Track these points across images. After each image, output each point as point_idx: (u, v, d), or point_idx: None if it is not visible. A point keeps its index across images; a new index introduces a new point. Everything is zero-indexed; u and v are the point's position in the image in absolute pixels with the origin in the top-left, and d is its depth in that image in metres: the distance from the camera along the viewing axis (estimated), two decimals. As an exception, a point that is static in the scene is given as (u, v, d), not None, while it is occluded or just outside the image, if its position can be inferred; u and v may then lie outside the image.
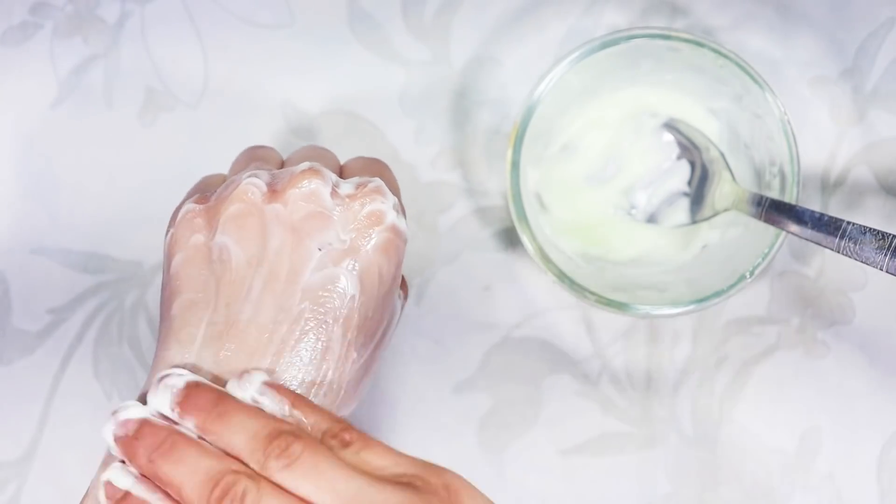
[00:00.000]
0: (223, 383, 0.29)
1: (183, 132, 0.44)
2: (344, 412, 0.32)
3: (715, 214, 0.40)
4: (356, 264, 0.31)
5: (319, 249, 0.31)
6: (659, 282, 0.41)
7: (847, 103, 0.44)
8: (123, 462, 0.29)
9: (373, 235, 0.31)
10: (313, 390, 0.30)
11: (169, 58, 0.44)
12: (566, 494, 0.42)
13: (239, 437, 0.27)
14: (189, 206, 0.32)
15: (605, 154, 0.42)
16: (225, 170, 0.44)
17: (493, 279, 0.44)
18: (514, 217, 0.38)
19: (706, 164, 0.41)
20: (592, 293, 0.38)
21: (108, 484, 0.28)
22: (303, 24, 0.44)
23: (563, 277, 0.38)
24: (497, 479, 0.42)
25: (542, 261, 0.38)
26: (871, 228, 0.31)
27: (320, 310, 0.30)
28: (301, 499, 0.26)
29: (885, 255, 0.30)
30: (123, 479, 0.28)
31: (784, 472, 0.43)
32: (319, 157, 0.34)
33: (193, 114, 0.44)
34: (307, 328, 0.30)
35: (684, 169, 0.41)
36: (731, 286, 0.37)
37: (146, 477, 0.28)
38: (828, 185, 0.44)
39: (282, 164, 0.35)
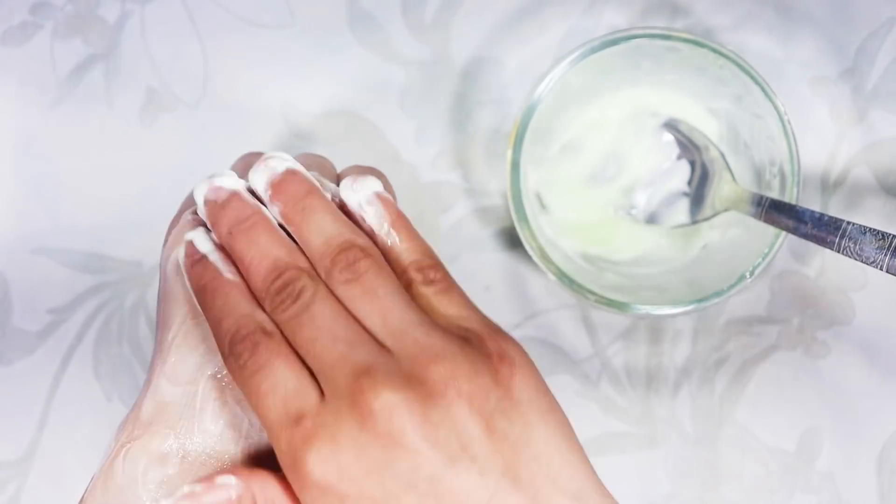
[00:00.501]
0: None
1: (183, 132, 0.44)
2: None
3: (715, 214, 0.40)
4: None
5: None
6: (659, 282, 0.41)
7: (847, 103, 0.44)
8: (206, 228, 0.29)
9: None
10: None
11: (169, 58, 0.44)
12: (566, 494, 0.42)
13: (314, 237, 0.28)
14: (188, 216, 0.32)
15: (605, 154, 0.42)
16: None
17: (493, 279, 0.44)
18: (514, 217, 0.38)
19: (706, 164, 0.41)
20: (592, 293, 0.38)
21: (191, 244, 0.29)
22: (303, 24, 0.44)
23: (563, 277, 0.38)
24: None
25: (542, 261, 0.38)
26: (871, 228, 0.31)
27: None
28: (352, 314, 0.26)
29: (885, 254, 0.30)
30: (205, 243, 0.29)
31: (784, 472, 0.43)
32: (317, 167, 0.34)
33: (193, 114, 0.44)
34: None
35: (684, 169, 0.41)
36: (731, 286, 0.37)
37: (222, 248, 0.29)
38: (828, 185, 0.44)
39: None
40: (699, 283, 0.39)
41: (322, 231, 0.28)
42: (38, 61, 0.44)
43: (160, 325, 0.31)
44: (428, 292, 0.27)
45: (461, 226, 0.44)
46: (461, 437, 0.24)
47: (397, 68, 0.44)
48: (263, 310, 0.27)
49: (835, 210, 0.43)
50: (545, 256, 0.38)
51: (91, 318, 0.43)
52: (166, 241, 0.32)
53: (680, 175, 0.41)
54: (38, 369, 0.43)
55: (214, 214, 0.29)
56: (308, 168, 0.33)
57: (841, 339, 0.43)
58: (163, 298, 0.31)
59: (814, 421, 0.43)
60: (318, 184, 0.29)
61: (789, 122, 0.37)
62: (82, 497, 0.29)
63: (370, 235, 0.29)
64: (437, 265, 0.28)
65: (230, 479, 0.26)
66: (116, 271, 0.44)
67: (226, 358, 0.27)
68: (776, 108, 0.37)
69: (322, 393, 0.26)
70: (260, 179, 0.29)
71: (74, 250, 0.44)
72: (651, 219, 0.42)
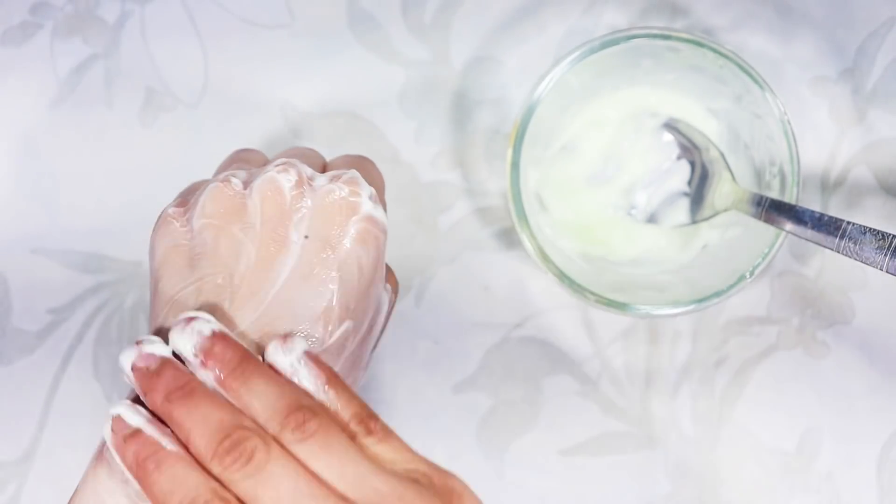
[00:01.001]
0: None
1: (183, 132, 0.44)
2: None
3: (715, 214, 0.40)
4: (332, 255, 0.31)
5: (294, 241, 0.31)
6: (659, 282, 0.41)
7: (847, 103, 0.44)
8: (130, 401, 0.28)
9: (349, 226, 0.31)
10: None
11: (169, 58, 0.44)
12: (566, 494, 0.42)
13: (258, 401, 0.28)
14: (168, 210, 0.32)
15: (605, 154, 0.42)
16: (225, 170, 0.44)
17: (493, 279, 0.44)
18: (514, 217, 0.38)
19: (706, 164, 0.41)
20: (592, 293, 0.38)
21: (118, 419, 0.28)
22: (302, 24, 0.44)
23: (563, 277, 0.38)
24: (497, 478, 0.42)
25: (542, 261, 0.38)
26: (870, 228, 0.31)
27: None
28: (308, 470, 0.26)
29: (885, 255, 0.30)
30: (134, 416, 0.28)
31: (784, 473, 0.43)
32: (301, 156, 0.34)
33: (193, 114, 0.44)
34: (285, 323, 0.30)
35: (684, 169, 0.41)
36: (731, 286, 0.37)
37: (155, 417, 0.28)
38: (828, 185, 0.44)
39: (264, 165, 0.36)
40: (699, 284, 0.39)
41: (266, 395, 0.28)
42: (38, 61, 0.44)
43: (151, 313, 0.31)
44: (369, 442, 0.28)
45: (461, 226, 0.44)
46: None
47: (397, 68, 0.44)
48: (214, 478, 0.27)
49: (835, 210, 0.43)
50: (545, 256, 0.38)
51: (91, 318, 0.43)
52: (152, 231, 0.32)
53: (680, 175, 0.41)
54: (37, 369, 0.43)
55: (148, 382, 0.28)
56: (293, 158, 0.33)
57: (841, 340, 0.43)
58: (153, 291, 0.32)
59: (813, 421, 0.43)
60: (245, 348, 0.29)
61: (789, 123, 0.37)
62: (76, 489, 0.30)
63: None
64: (374, 416, 0.29)
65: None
66: (116, 271, 0.44)
67: None
68: (776, 108, 0.37)
69: None
70: (186, 344, 0.29)
71: (74, 250, 0.44)
72: (651, 219, 0.42)
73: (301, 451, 0.27)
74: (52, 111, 0.44)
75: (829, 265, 0.43)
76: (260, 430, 0.27)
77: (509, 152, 0.38)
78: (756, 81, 0.37)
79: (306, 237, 0.31)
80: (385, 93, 0.44)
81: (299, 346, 0.29)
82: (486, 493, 0.28)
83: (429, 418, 0.43)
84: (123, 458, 0.28)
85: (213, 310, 0.30)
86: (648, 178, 0.42)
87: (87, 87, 0.44)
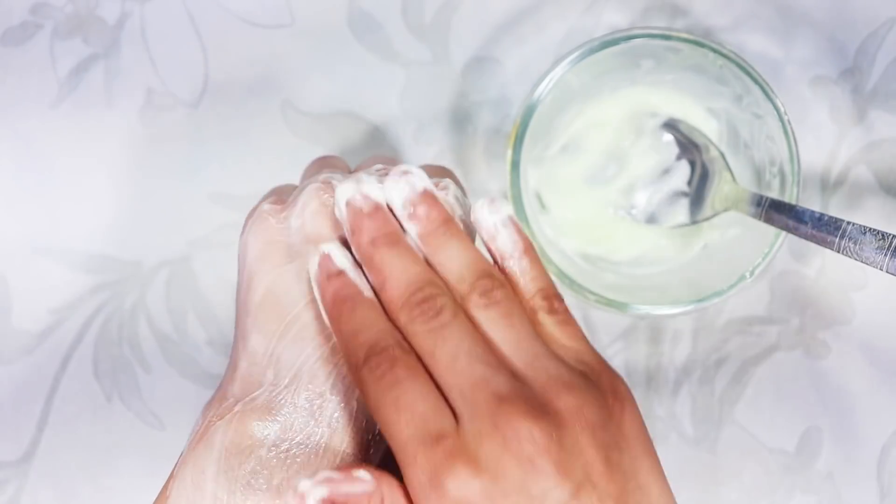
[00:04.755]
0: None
1: (183, 132, 0.44)
2: None
3: (715, 214, 0.40)
4: None
5: None
6: (659, 282, 0.41)
7: (847, 103, 0.44)
8: (339, 243, 0.29)
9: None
10: None
11: (169, 58, 0.44)
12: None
13: (452, 262, 0.28)
14: (264, 206, 0.33)
15: (605, 154, 0.42)
16: (224, 170, 0.44)
17: (493, 279, 0.44)
18: (514, 217, 0.38)
19: (706, 164, 0.41)
20: (592, 293, 0.38)
21: (327, 257, 0.29)
22: (303, 24, 0.44)
23: (563, 277, 0.38)
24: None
25: (542, 261, 0.38)
26: (870, 228, 0.31)
27: None
28: (486, 336, 0.27)
29: (885, 254, 0.30)
30: (342, 258, 0.29)
31: (784, 473, 0.43)
32: (389, 163, 0.34)
33: (193, 114, 0.44)
34: None
35: (684, 169, 0.41)
36: (731, 286, 0.37)
37: (357, 265, 0.29)
38: (828, 185, 0.44)
39: (349, 172, 0.36)
40: (699, 283, 0.39)
41: (460, 258, 0.29)
42: (38, 61, 0.44)
43: (240, 310, 0.32)
44: (550, 321, 0.29)
45: (461, 226, 0.44)
46: (585, 466, 0.26)
47: (397, 68, 0.44)
48: (398, 329, 0.28)
49: (835, 210, 0.43)
50: (545, 256, 0.38)
51: (91, 319, 0.43)
52: (244, 230, 0.33)
53: (680, 175, 0.41)
54: (37, 369, 0.43)
55: (359, 221, 0.29)
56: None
57: (841, 340, 0.43)
58: (245, 287, 0.32)
59: (814, 421, 0.43)
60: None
61: (789, 122, 0.37)
62: (172, 472, 0.29)
63: (497, 258, 0.30)
64: (560, 297, 0.29)
65: (365, 475, 0.27)
66: (116, 271, 0.44)
67: (358, 369, 0.27)
68: (776, 107, 0.37)
69: (453, 412, 0.26)
70: (399, 194, 0.30)
71: (74, 250, 0.44)
72: (651, 219, 0.42)
73: (483, 316, 0.27)
74: (53, 111, 0.44)
75: (829, 265, 0.43)
76: (450, 293, 0.28)
77: (509, 152, 0.38)
78: (756, 81, 0.37)
79: None
80: (385, 93, 0.44)
81: (505, 209, 0.30)
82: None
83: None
84: (323, 295, 0.29)
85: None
86: (648, 178, 0.42)
87: (88, 87, 0.44)
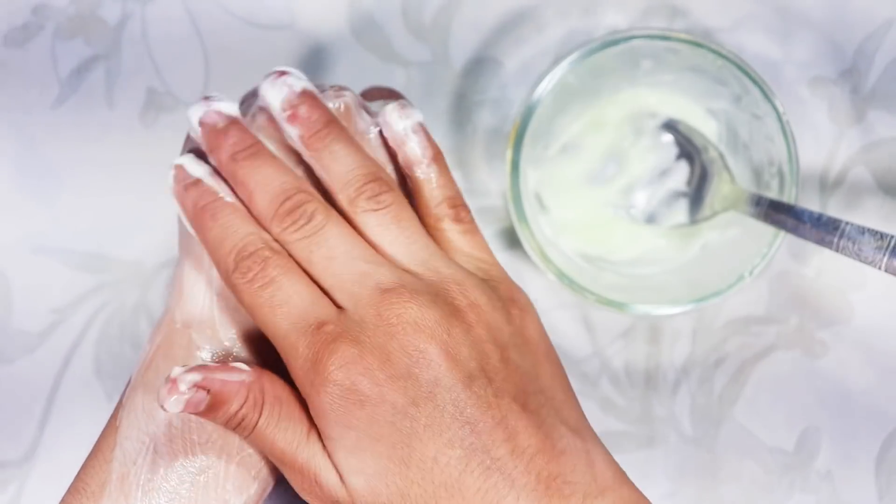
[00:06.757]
0: None
1: (183, 132, 0.44)
2: None
3: (714, 214, 0.40)
4: None
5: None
6: (658, 282, 0.41)
7: (846, 104, 0.44)
8: (193, 154, 0.28)
9: None
10: None
11: (170, 58, 0.44)
12: (566, 494, 0.42)
13: (338, 165, 0.27)
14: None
15: (604, 154, 0.42)
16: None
17: (493, 279, 0.44)
18: (513, 217, 0.38)
19: (705, 164, 0.41)
20: (592, 293, 0.38)
21: (180, 168, 0.28)
22: (303, 24, 0.44)
23: (563, 277, 0.38)
24: (497, 478, 0.42)
25: (542, 261, 0.38)
26: (869, 228, 0.31)
27: None
28: (367, 238, 0.26)
29: (884, 254, 0.30)
30: (196, 167, 0.28)
31: (783, 472, 0.43)
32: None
33: (194, 114, 0.44)
34: None
35: (683, 169, 0.41)
36: (731, 286, 0.37)
37: (217, 173, 0.28)
38: (826, 185, 0.44)
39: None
40: (698, 283, 0.39)
41: (346, 161, 0.27)
42: (40, 61, 0.44)
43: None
44: (455, 229, 0.28)
45: (461, 226, 0.44)
46: (480, 359, 0.25)
47: (397, 68, 0.44)
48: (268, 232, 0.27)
49: (833, 210, 0.44)
50: (545, 256, 0.38)
51: (92, 318, 0.43)
52: None
53: (679, 175, 0.42)
54: (38, 369, 0.43)
55: (214, 138, 0.28)
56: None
57: (839, 339, 0.43)
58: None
59: (812, 420, 0.43)
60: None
61: (788, 123, 0.37)
62: (120, 401, 0.29)
63: (404, 165, 0.28)
64: (466, 206, 0.28)
65: (244, 366, 0.26)
66: (117, 271, 0.44)
67: (229, 275, 0.26)
68: (775, 108, 0.37)
69: (337, 307, 0.26)
70: (276, 96, 0.28)
71: (75, 250, 0.44)
72: (650, 219, 0.42)
73: (372, 221, 0.27)
74: (54, 111, 0.44)
75: (827, 265, 0.43)
76: (320, 197, 0.27)
77: (509, 152, 0.38)
78: (755, 82, 0.37)
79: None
80: (385, 93, 0.44)
81: (416, 115, 0.29)
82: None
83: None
84: (183, 207, 0.28)
85: None
86: (648, 179, 0.42)
87: (89, 88, 0.44)
